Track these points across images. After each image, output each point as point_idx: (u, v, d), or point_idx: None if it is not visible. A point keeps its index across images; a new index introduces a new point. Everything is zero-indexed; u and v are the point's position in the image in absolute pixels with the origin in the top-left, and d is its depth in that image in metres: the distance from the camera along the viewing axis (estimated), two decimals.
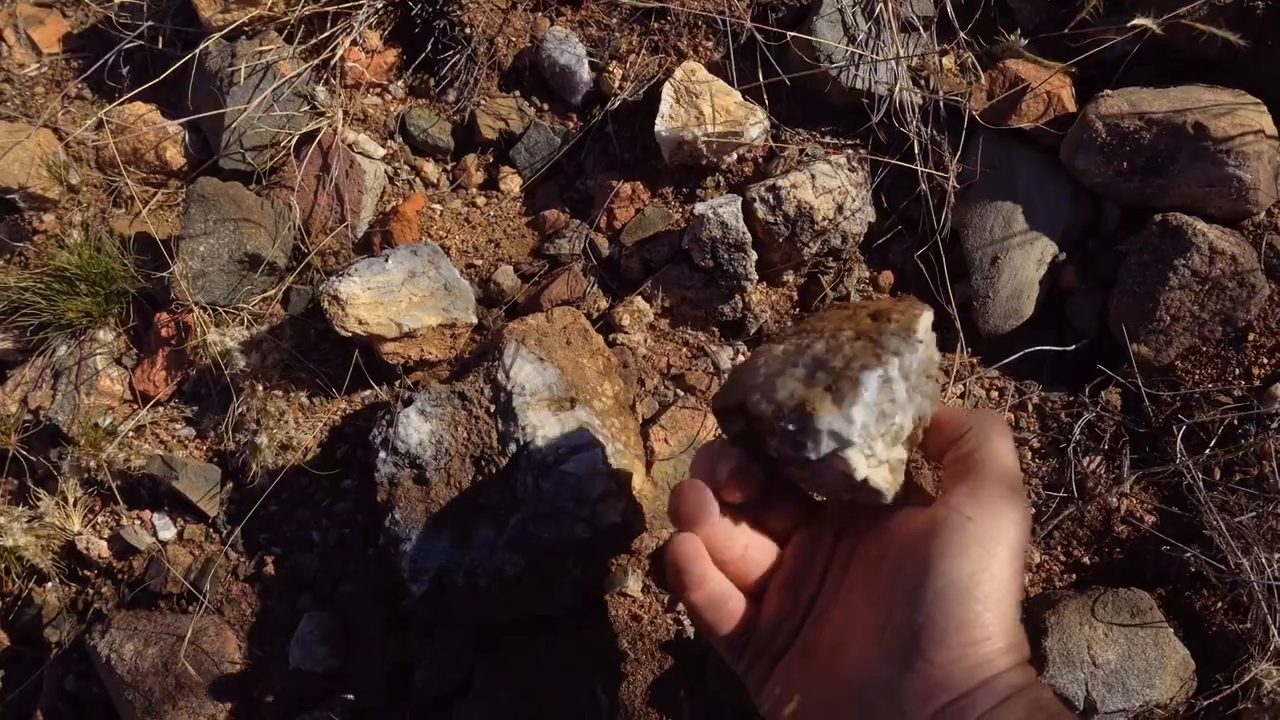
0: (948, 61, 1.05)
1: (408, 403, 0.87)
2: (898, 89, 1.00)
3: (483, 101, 1.11)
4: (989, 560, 0.54)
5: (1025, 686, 0.52)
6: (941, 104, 0.99)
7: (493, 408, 0.86)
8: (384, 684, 0.88)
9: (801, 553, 0.66)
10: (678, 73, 1.03)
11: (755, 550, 0.67)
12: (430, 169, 1.11)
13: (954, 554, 0.54)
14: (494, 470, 0.84)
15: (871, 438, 0.56)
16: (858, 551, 0.62)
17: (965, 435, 0.60)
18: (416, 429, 0.86)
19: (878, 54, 1.02)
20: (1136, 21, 0.90)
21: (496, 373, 0.87)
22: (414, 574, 0.82)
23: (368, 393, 1.00)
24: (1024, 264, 0.95)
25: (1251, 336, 0.88)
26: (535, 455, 0.82)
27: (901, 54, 1.01)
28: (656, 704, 0.81)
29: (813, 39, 1.00)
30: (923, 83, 1.02)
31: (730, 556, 0.65)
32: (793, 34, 1.00)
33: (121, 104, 1.12)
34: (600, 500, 0.82)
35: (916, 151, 0.98)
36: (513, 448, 0.84)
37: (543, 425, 0.84)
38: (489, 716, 0.82)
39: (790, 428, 0.56)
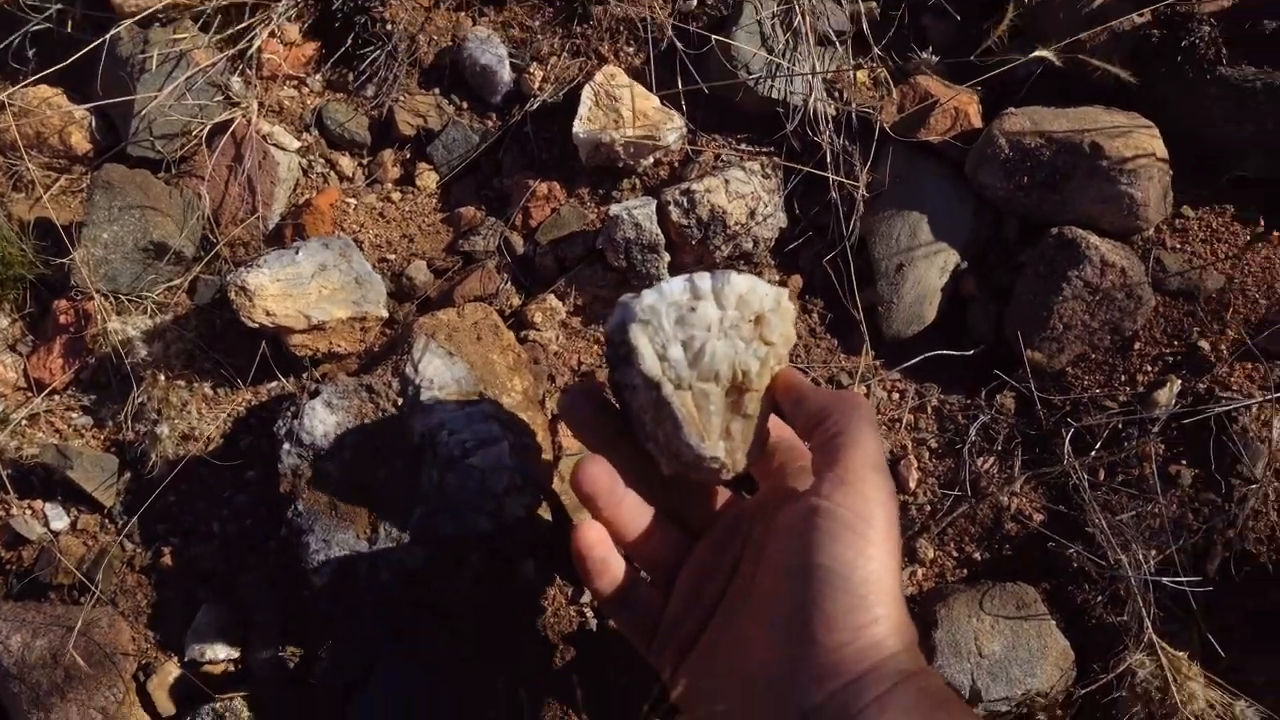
0: (861, 75, 1.10)
1: (314, 395, 0.89)
2: (812, 99, 1.04)
3: (402, 98, 1.13)
4: (864, 544, 0.56)
5: (914, 672, 0.55)
6: (854, 115, 1.03)
7: (400, 401, 0.88)
8: (283, 676, 0.89)
9: (712, 548, 0.69)
10: (598, 76, 1.06)
11: (664, 537, 0.70)
12: (346, 163, 1.13)
13: (830, 541, 0.57)
14: (399, 463, 0.85)
15: (667, 336, 0.65)
16: (762, 551, 0.64)
17: (828, 419, 0.62)
18: (322, 421, 0.87)
19: (794, 65, 1.06)
20: (1038, 53, 0.95)
21: (405, 366, 0.89)
22: (317, 566, 0.83)
23: (274, 384, 1.01)
24: (927, 272, 1.00)
25: (1137, 345, 0.94)
26: (441, 448, 0.84)
27: (817, 66, 1.05)
28: (559, 693, 0.83)
29: (732, 47, 1.04)
30: (836, 94, 1.07)
31: (636, 539, 0.69)
32: (715, 39, 1.04)
33: (25, 87, 1.11)
34: (505, 494, 0.84)
35: (828, 160, 1.02)
36: (418, 440, 0.85)
37: (449, 419, 0.86)
38: (391, 708, 0.83)
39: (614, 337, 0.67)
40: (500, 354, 0.94)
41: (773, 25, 1.08)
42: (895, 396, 0.99)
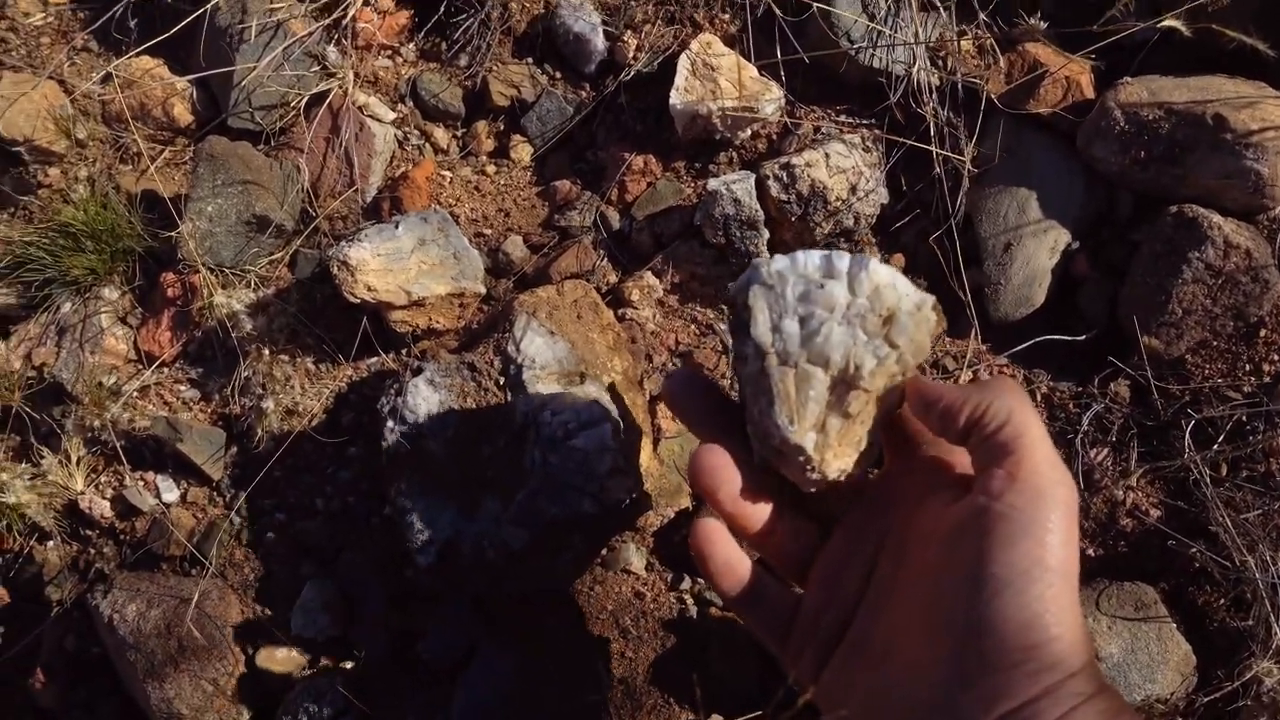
0: (966, 43, 1.03)
1: (417, 372, 0.86)
2: (915, 69, 0.98)
3: (495, 68, 1.09)
4: (1042, 552, 0.49)
5: (1092, 694, 0.48)
6: (959, 86, 0.97)
7: (502, 380, 0.85)
8: (386, 653, 0.88)
9: (847, 538, 0.62)
10: (694, 45, 1.01)
11: (791, 528, 0.63)
12: (440, 135, 1.09)
13: (1003, 549, 0.49)
14: (502, 442, 0.83)
15: (786, 306, 0.59)
16: (906, 545, 0.58)
17: (984, 412, 0.54)
18: (425, 399, 0.85)
19: (896, 33, 0.99)
20: (1166, 23, 0.88)
21: (506, 345, 0.86)
22: (420, 544, 0.81)
23: (374, 360, 0.99)
24: (1037, 252, 0.94)
25: (1263, 332, 0.88)
26: (544, 429, 0.81)
27: (920, 34, 0.99)
28: (658, 682, 0.81)
29: (832, 14, 0.98)
30: (940, 64, 1.00)
31: (760, 531, 0.62)
32: (816, 6, 0.98)
33: (129, 58, 1.09)
34: (608, 476, 0.81)
35: (932, 133, 0.97)
36: (521, 420, 0.82)
37: (552, 397, 0.82)
38: (491, 688, 0.82)
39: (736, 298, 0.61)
40: (600, 333, 0.90)
41: None
42: None
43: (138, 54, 1.10)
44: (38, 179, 1.08)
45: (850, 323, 0.58)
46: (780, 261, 0.60)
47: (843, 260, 0.59)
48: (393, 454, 0.84)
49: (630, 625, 0.84)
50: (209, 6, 1.07)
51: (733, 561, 0.62)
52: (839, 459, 0.60)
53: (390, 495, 0.83)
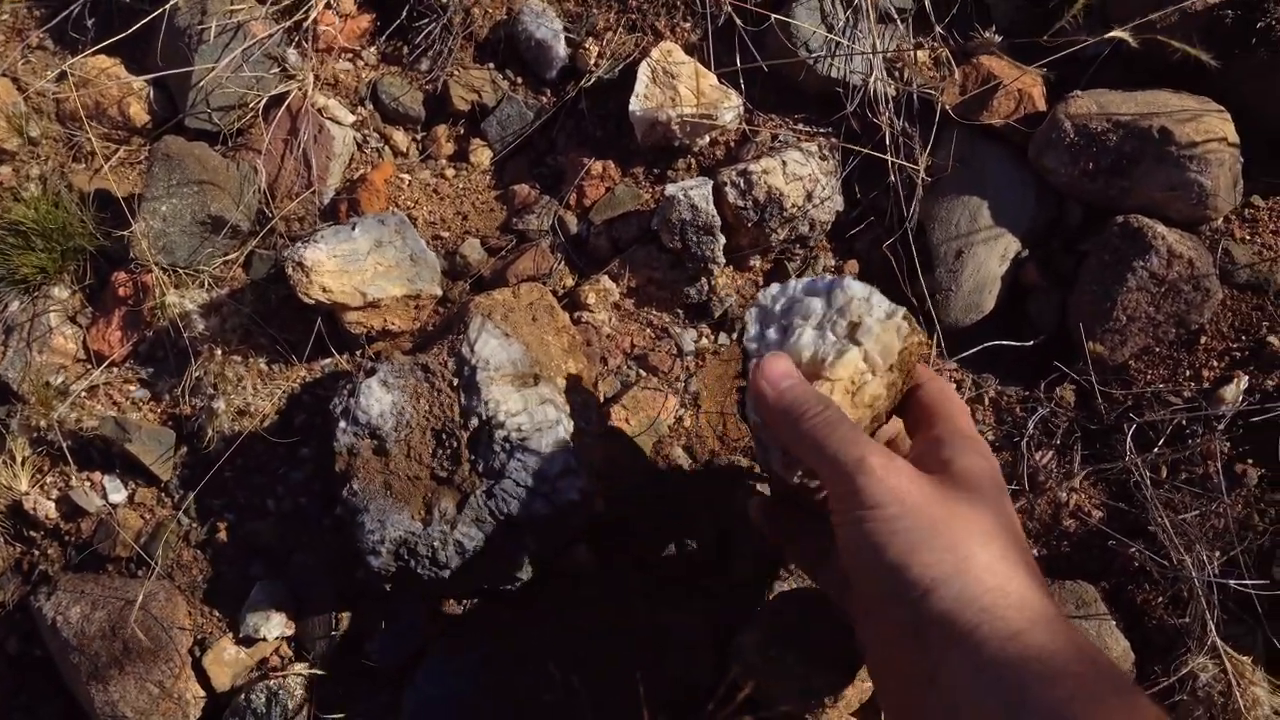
0: (922, 55, 1.05)
1: (370, 373, 0.86)
2: (872, 80, 1.00)
3: (456, 72, 1.10)
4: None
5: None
6: (915, 96, 0.99)
7: (456, 381, 0.85)
8: (337, 655, 0.87)
9: None
10: (654, 52, 1.02)
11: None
12: (400, 138, 1.10)
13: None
14: (455, 444, 0.83)
15: (772, 318, 0.73)
16: None
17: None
18: (378, 399, 0.85)
19: (854, 44, 1.01)
20: (1114, 34, 0.90)
21: (461, 346, 0.86)
22: (372, 545, 0.81)
23: (328, 361, 0.99)
24: (987, 259, 0.96)
25: (1203, 339, 0.90)
26: (497, 430, 0.82)
27: (878, 45, 1.01)
28: (615, 681, 0.81)
29: (791, 24, 1.00)
30: (897, 74, 1.02)
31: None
32: (775, 16, 0.99)
33: (85, 57, 1.09)
34: (560, 477, 0.81)
35: (888, 143, 0.98)
36: (475, 422, 0.83)
37: (506, 400, 0.83)
38: (442, 690, 0.82)
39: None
40: (555, 335, 0.91)
41: (833, 2, 1.03)
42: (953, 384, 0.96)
43: (94, 53, 1.09)
44: None
45: (822, 327, 0.70)
46: (775, 287, 0.74)
47: (824, 280, 0.73)
48: (344, 454, 0.84)
49: (584, 625, 0.84)
50: (168, 6, 1.07)
51: (793, 533, 0.76)
52: None
53: (342, 496, 0.83)
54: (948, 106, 0.98)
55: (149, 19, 1.07)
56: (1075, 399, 0.92)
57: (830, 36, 1.01)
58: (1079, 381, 0.91)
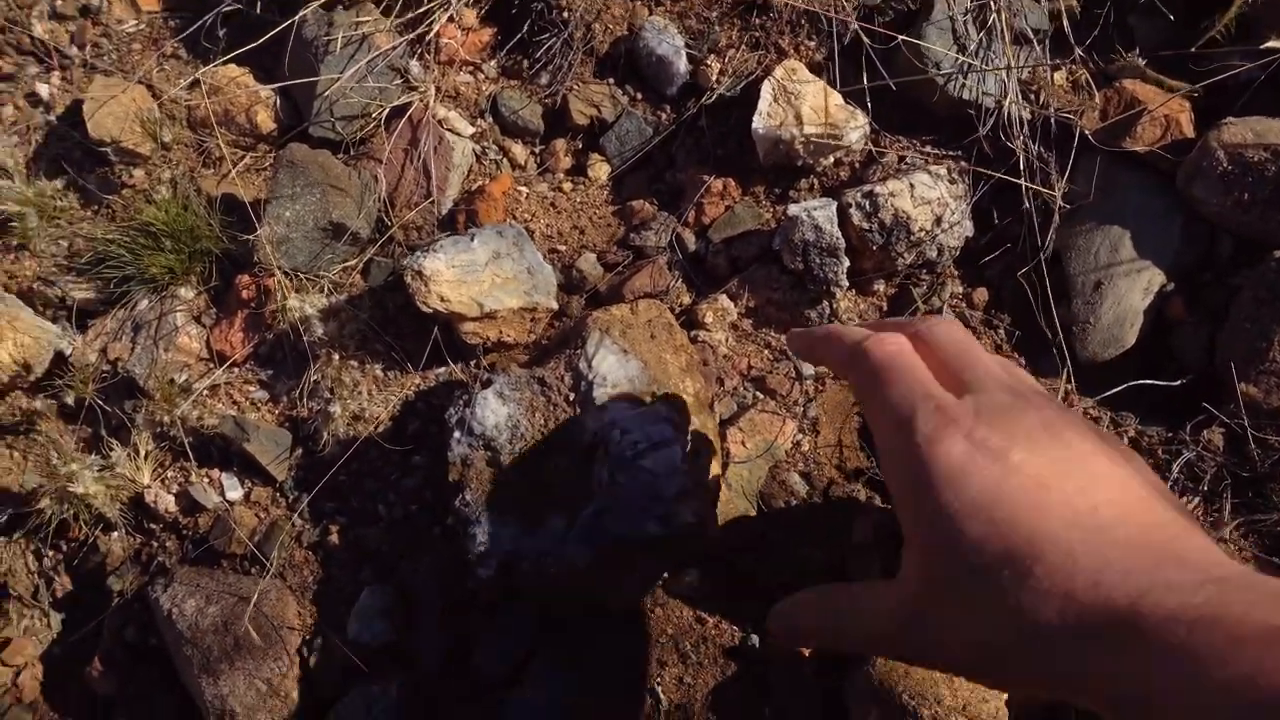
0: (1060, 77, 1.03)
1: (486, 384, 0.87)
2: (1007, 102, 0.98)
3: (576, 87, 1.11)
4: None
5: None
6: (1052, 120, 0.97)
7: (572, 395, 0.86)
8: (441, 663, 0.88)
9: None
10: (778, 70, 1.02)
11: None
12: (518, 151, 1.12)
13: None
14: (569, 460, 0.83)
15: None
16: None
17: None
18: (494, 411, 0.86)
19: (987, 65, 1.00)
20: (1270, 44, 0.87)
21: (578, 361, 0.87)
22: (481, 557, 0.82)
23: (443, 370, 1.00)
24: (1129, 292, 0.93)
25: None
26: (613, 447, 0.82)
27: (1013, 66, 0.99)
28: (716, 710, 0.80)
29: (921, 45, 0.99)
30: (1032, 97, 1.00)
31: None
32: (902, 38, 0.99)
33: (217, 66, 1.13)
34: (676, 499, 0.81)
35: (1022, 167, 0.96)
36: (589, 438, 0.83)
37: (621, 417, 0.83)
38: (544, 704, 0.82)
39: None
40: (673, 354, 0.91)
41: (965, 22, 1.02)
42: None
43: (224, 62, 1.14)
44: (122, 179, 1.12)
45: None
46: None
47: None
48: (458, 465, 0.85)
49: (690, 650, 0.83)
50: (297, 18, 1.11)
51: None
52: None
53: (454, 506, 0.84)
54: (1087, 132, 0.96)
55: (278, 30, 1.11)
56: (1225, 443, 0.88)
57: (962, 58, 0.99)
58: (1229, 425, 0.87)
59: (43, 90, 1.18)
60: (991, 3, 1.01)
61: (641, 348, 0.89)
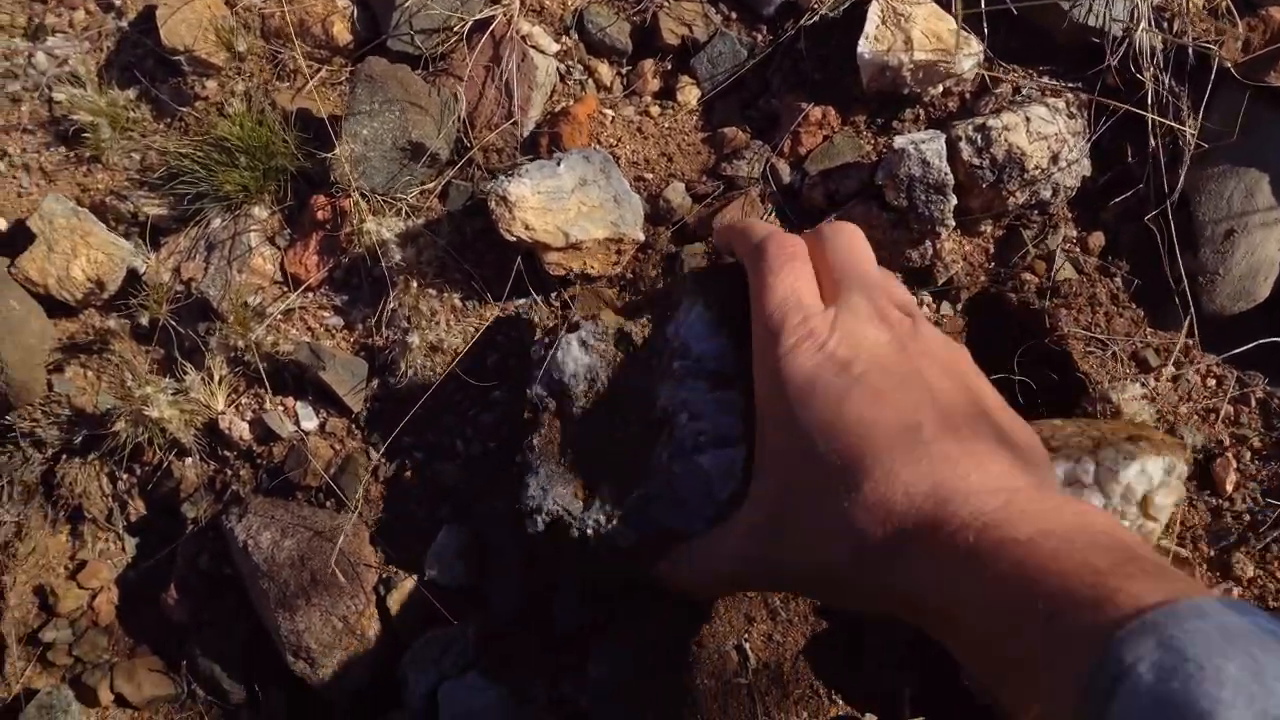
0: (1197, 2, 0.95)
1: (573, 328, 0.83)
2: (1139, 30, 0.91)
3: (667, 3, 1.05)
4: None
5: None
6: (1190, 50, 0.90)
7: (653, 363, 0.80)
8: (518, 609, 0.87)
9: None
10: None
11: None
12: (604, 71, 1.06)
13: None
14: (634, 430, 0.79)
15: None
16: None
17: None
18: (575, 359, 0.81)
19: None
20: None
21: (668, 327, 0.81)
22: (531, 511, 0.78)
23: (523, 301, 0.97)
24: (1264, 242, 0.87)
25: None
26: (676, 430, 0.76)
27: None
28: (807, 670, 0.78)
29: None
30: (1166, 25, 0.93)
31: None
32: None
33: None
34: (729, 501, 0.73)
35: (1150, 102, 0.90)
36: (658, 414, 0.77)
37: (694, 400, 0.76)
38: (629, 660, 0.80)
39: None
40: None
41: None
42: (1211, 383, 0.87)
43: None
44: (195, 91, 1.09)
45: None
46: None
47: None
48: (533, 405, 0.82)
49: (780, 606, 0.80)
50: None
51: None
52: None
53: (522, 447, 0.81)
54: (1227, 64, 0.89)
55: None
56: None
57: None
58: None
59: None
60: None
61: (736, 314, 0.81)
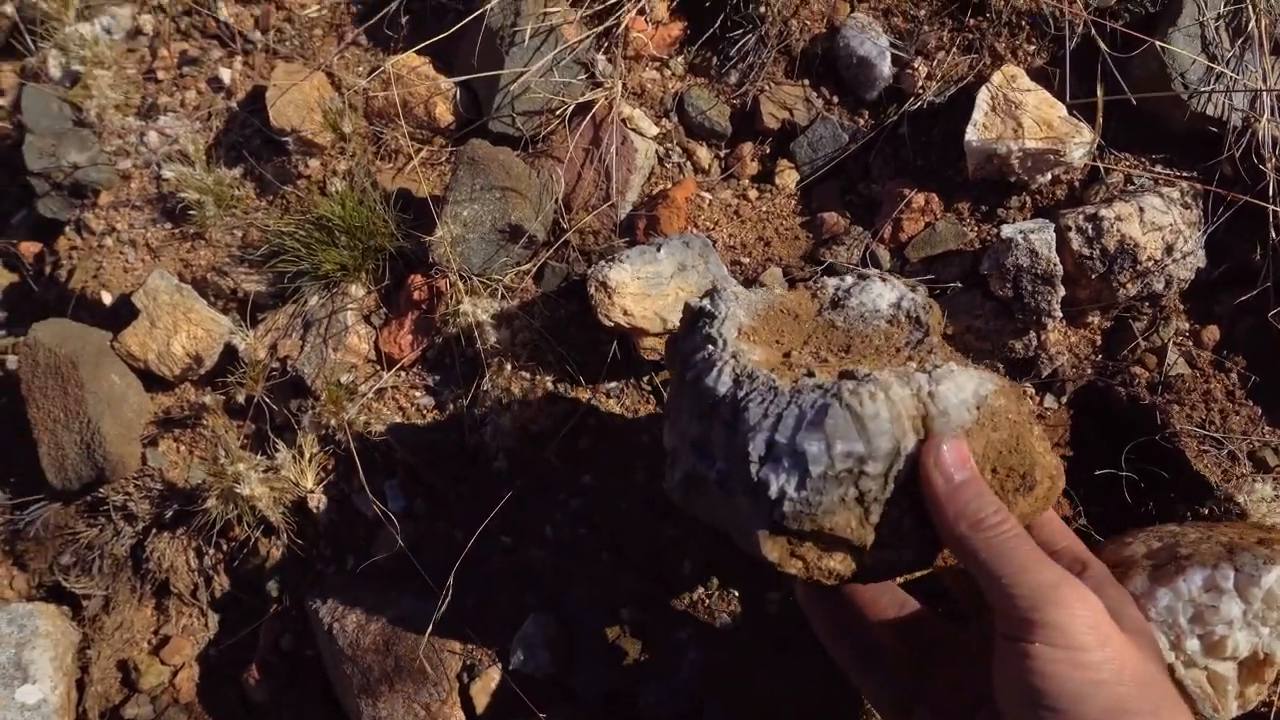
0: None
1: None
2: (1264, 121, 0.91)
3: (768, 87, 1.08)
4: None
5: None
6: None
7: None
8: (603, 701, 0.87)
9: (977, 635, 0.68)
10: (996, 77, 0.97)
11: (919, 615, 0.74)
12: (703, 154, 1.10)
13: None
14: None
15: None
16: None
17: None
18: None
19: (1240, 76, 0.93)
20: None
21: None
22: (674, 461, 0.73)
23: (614, 385, 0.99)
24: None
25: None
26: None
27: (1269, 79, 0.92)
28: None
29: (1169, 49, 0.92)
30: None
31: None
32: (1155, 41, 0.92)
33: (399, 55, 1.15)
34: None
35: (1270, 193, 0.89)
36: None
37: None
38: None
39: None
40: None
41: (1217, 28, 0.95)
42: None
43: (409, 52, 1.15)
44: (298, 169, 1.15)
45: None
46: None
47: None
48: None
49: None
50: (486, 8, 1.11)
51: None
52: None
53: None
54: None
55: (463, 22, 1.11)
56: None
57: (1213, 67, 0.92)
58: None
59: (225, 75, 1.21)
60: (1250, 4, 0.93)
61: None
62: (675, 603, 0.90)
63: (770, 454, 0.61)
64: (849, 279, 0.76)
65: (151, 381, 1.11)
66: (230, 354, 1.09)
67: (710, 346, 0.69)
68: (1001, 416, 0.63)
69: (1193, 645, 0.73)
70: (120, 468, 1.07)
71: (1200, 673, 0.74)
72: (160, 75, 1.24)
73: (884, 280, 0.76)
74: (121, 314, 1.11)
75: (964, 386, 0.62)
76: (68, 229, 1.20)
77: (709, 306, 0.72)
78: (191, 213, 1.14)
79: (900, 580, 0.79)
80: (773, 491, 0.61)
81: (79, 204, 1.20)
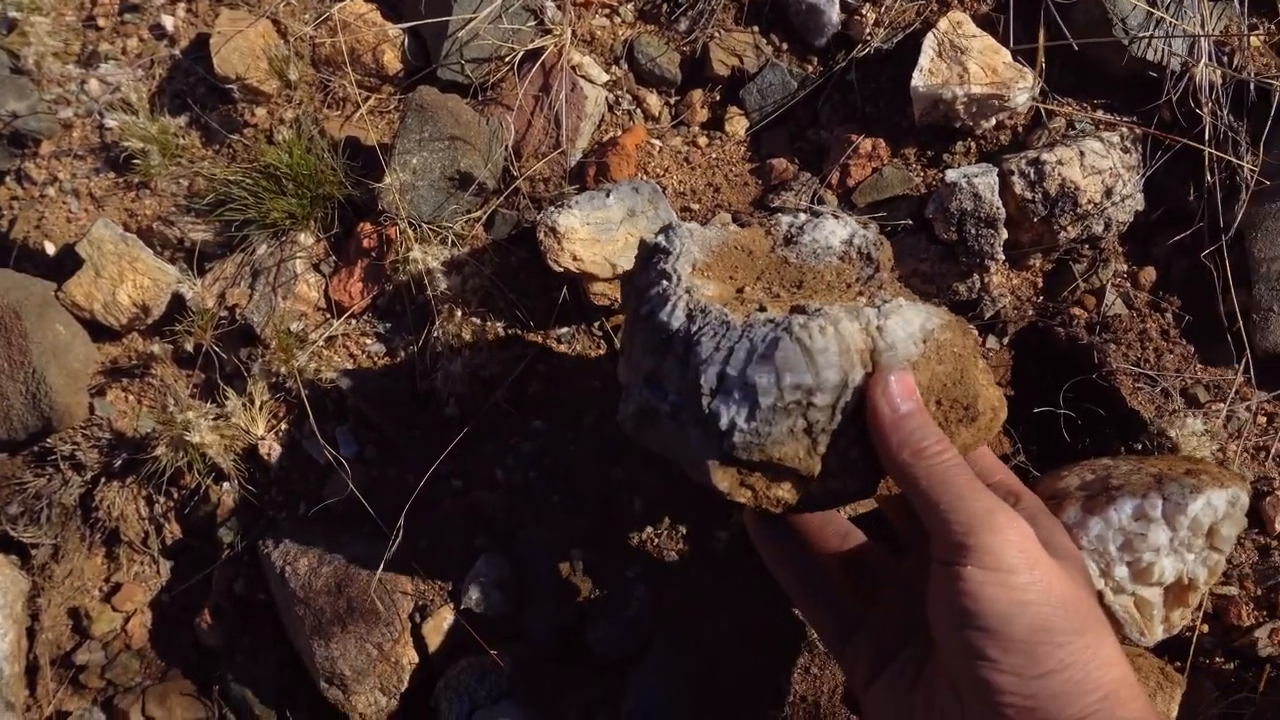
0: (1257, 40, 0.98)
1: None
2: (1200, 65, 0.94)
3: (717, 34, 1.10)
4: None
5: None
6: (1250, 86, 0.92)
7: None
8: (554, 638, 0.90)
9: (923, 566, 0.68)
10: (942, 23, 0.99)
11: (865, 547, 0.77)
12: (653, 101, 1.11)
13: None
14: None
15: None
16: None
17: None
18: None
19: (1179, 22, 0.96)
20: None
21: None
22: (628, 394, 0.74)
23: (565, 330, 1.01)
24: None
25: None
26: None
27: (1206, 25, 0.94)
28: (846, 703, 0.80)
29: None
30: (1225, 60, 0.96)
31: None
32: None
33: (346, 2, 1.15)
34: None
35: (1208, 137, 0.92)
36: None
37: None
38: (663, 689, 0.82)
39: None
40: None
41: None
42: (1262, 420, 0.89)
43: None
44: (244, 118, 1.15)
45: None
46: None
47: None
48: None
49: (819, 642, 0.83)
50: None
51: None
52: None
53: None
54: None
55: None
56: None
57: (1154, 12, 0.95)
58: None
59: (168, 22, 1.21)
60: None
61: None
62: (626, 541, 0.93)
63: (721, 386, 0.64)
64: (802, 216, 0.79)
65: (98, 331, 1.11)
66: (178, 303, 1.09)
67: (664, 282, 0.71)
68: (947, 350, 0.66)
69: (1121, 572, 0.77)
70: (67, 417, 1.07)
71: (1128, 598, 0.78)
72: (100, 22, 1.23)
73: (836, 218, 0.79)
74: (65, 264, 1.11)
75: (911, 321, 0.65)
76: (8, 179, 1.19)
77: (664, 243, 0.74)
78: (136, 162, 1.14)
79: (846, 513, 0.82)
80: (723, 423, 0.63)
81: (19, 154, 1.19)
